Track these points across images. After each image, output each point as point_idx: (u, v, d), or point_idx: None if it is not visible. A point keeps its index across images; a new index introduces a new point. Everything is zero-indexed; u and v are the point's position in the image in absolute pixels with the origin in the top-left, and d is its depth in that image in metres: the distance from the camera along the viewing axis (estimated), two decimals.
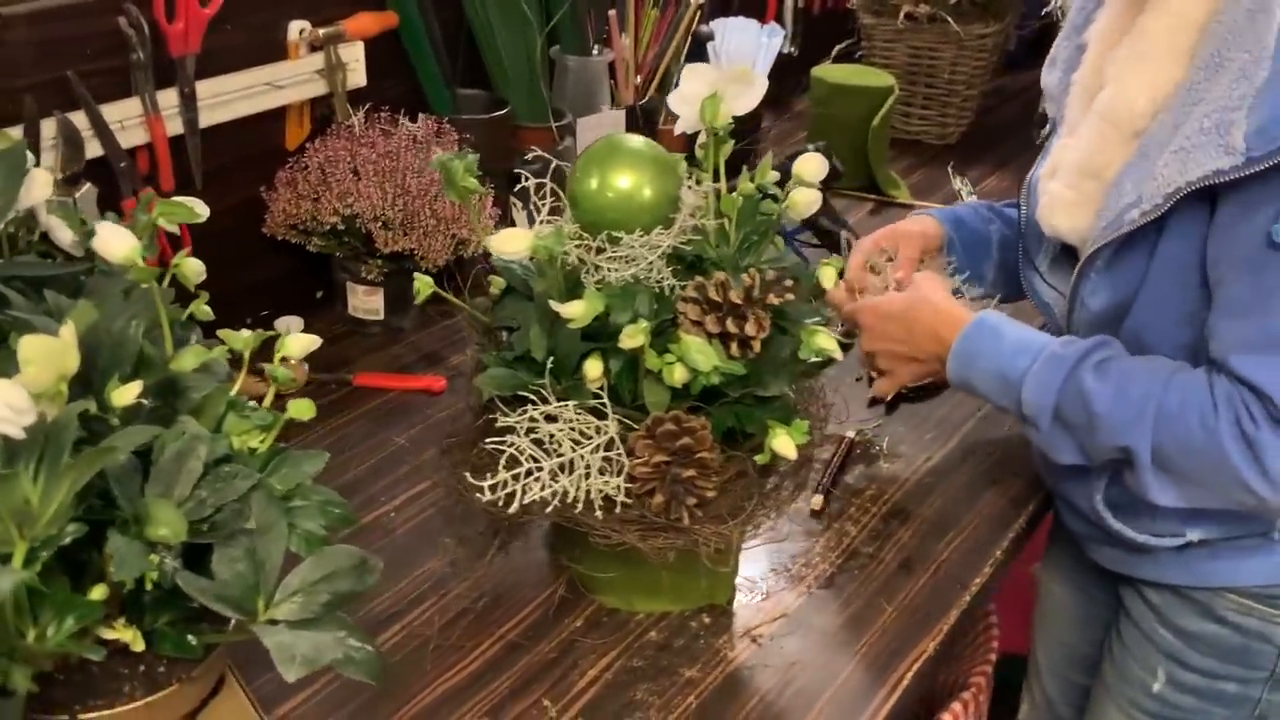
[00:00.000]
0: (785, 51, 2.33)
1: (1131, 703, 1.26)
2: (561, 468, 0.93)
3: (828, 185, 1.75)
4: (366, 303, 1.52)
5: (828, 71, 2.05)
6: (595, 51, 1.76)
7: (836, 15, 2.43)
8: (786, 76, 2.28)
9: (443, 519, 1.18)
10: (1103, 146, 1.10)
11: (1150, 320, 1.08)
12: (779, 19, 2.30)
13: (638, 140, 1.00)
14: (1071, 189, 1.14)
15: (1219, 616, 1.16)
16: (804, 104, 2.24)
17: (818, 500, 1.25)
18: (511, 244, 0.90)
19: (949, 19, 2.13)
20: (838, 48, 2.29)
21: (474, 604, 1.09)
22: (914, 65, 2.23)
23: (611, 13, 1.75)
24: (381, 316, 1.52)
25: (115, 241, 0.81)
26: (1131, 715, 1.26)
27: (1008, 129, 2.31)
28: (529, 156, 0.99)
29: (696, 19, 1.98)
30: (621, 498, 0.93)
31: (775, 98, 2.25)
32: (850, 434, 1.36)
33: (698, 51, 1.94)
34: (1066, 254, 1.21)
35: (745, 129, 2.00)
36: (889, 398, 1.44)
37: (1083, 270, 1.11)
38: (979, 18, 2.17)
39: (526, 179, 0.95)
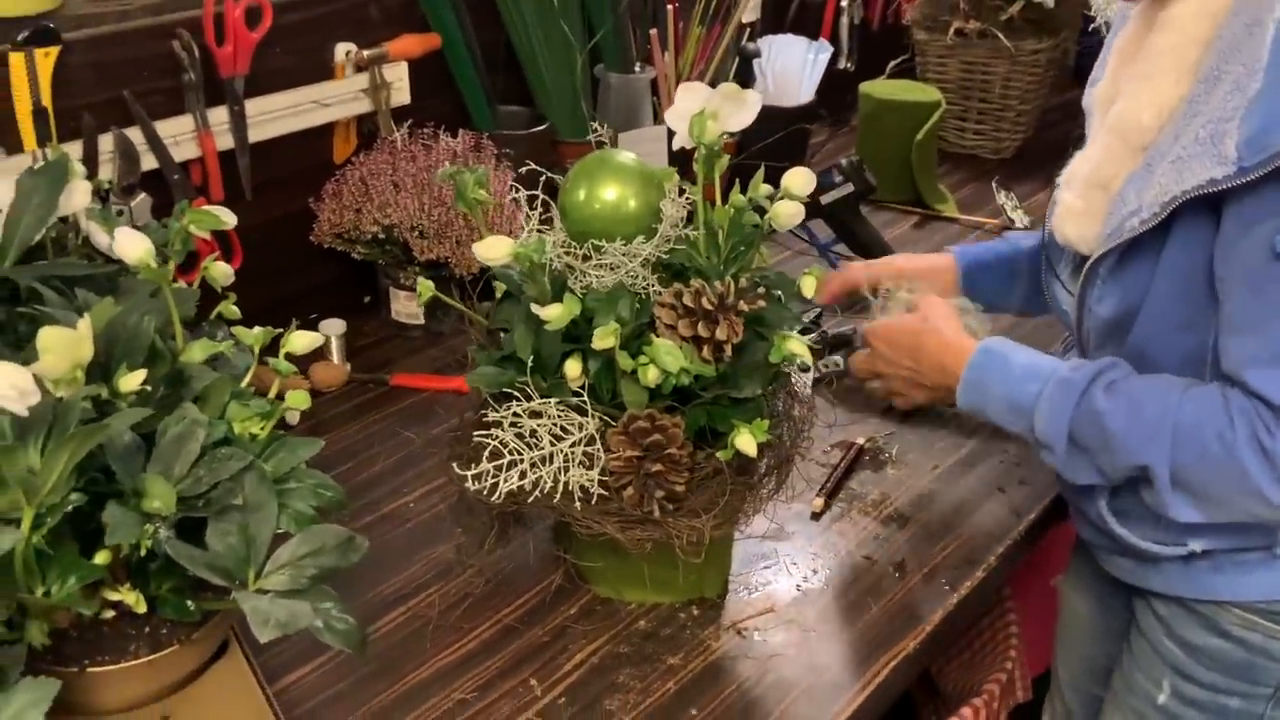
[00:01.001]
0: (842, 67, 2.37)
1: (1137, 714, 1.27)
2: (542, 460, 0.99)
3: (866, 198, 1.80)
4: (407, 307, 1.60)
5: (875, 87, 2.08)
6: (638, 69, 1.83)
7: (895, 31, 2.45)
8: (844, 92, 2.31)
9: (454, 510, 1.25)
10: (1110, 159, 1.13)
11: (1155, 329, 1.10)
12: (834, 36, 2.34)
13: (626, 155, 1.07)
14: (1081, 199, 1.17)
15: (1223, 630, 1.17)
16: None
17: (819, 502, 1.29)
18: (494, 251, 0.96)
19: (999, 35, 2.14)
20: (892, 64, 2.32)
21: (475, 590, 1.16)
22: (967, 80, 2.25)
23: (653, 31, 1.81)
24: (422, 321, 1.61)
25: (131, 245, 0.90)
26: None
27: (1067, 144, 2.30)
28: (522, 170, 1.05)
29: (745, 36, 2.04)
30: (597, 490, 0.99)
31: (828, 113, 2.29)
32: (860, 440, 1.40)
33: (744, 69, 1.99)
34: (1084, 262, 1.24)
35: (794, 143, 2.05)
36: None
37: (1089, 277, 1.14)
38: (1032, 34, 2.17)
39: (517, 190, 1.02)
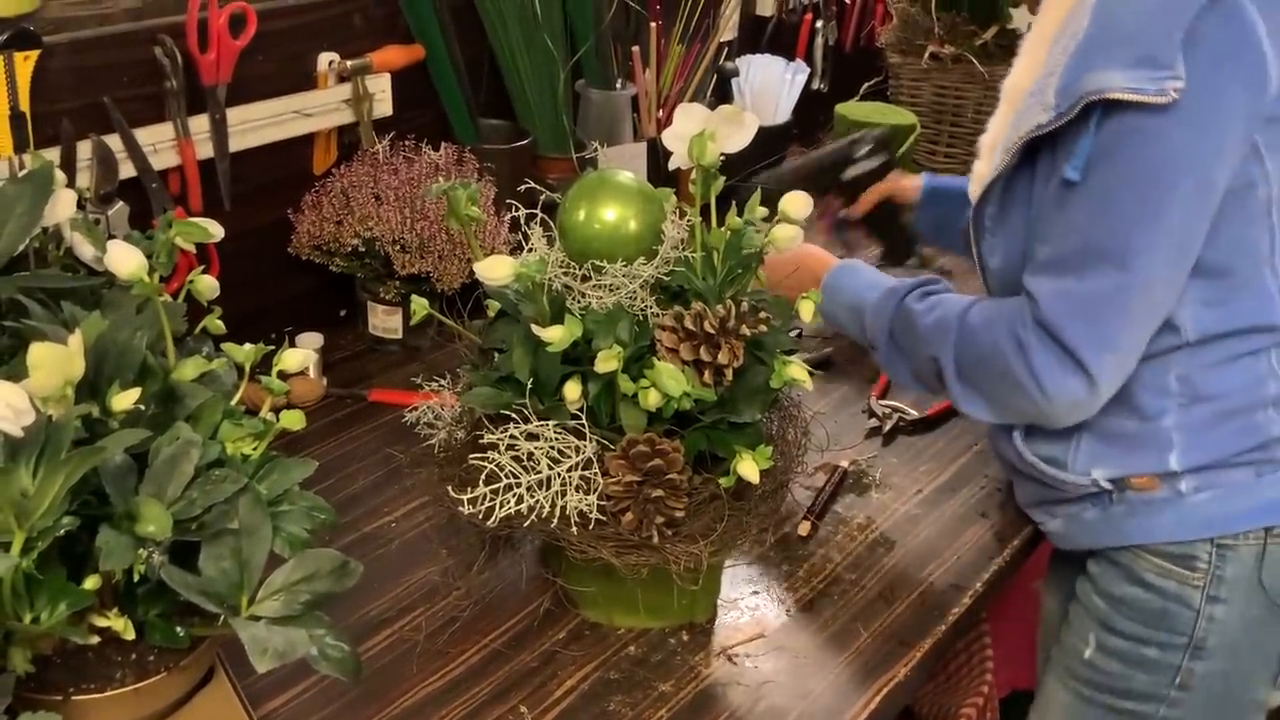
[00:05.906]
0: (815, 88, 2.38)
1: (1067, 671, 1.28)
2: (540, 484, 0.97)
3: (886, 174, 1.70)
4: (386, 322, 1.58)
5: (850, 109, 2.09)
6: (619, 85, 1.82)
7: (868, 53, 2.47)
8: (816, 112, 2.32)
9: (440, 531, 1.23)
10: (1000, 124, 1.23)
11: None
12: (808, 56, 2.35)
13: (626, 175, 1.05)
14: (984, 163, 1.25)
15: (1141, 579, 1.19)
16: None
17: (805, 526, 1.29)
18: (495, 270, 0.95)
19: (973, 60, 2.16)
20: (866, 85, 2.34)
21: (462, 612, 1.14)
22: (940, 104, 2.26)
23: (635, 48, 1.81)
24: (400, 335, 1.59)
25: (124, 258, 0.87)
26: (1066, 684, 1.28)
27: None
28: (521, 189, 1.04)
29: (723, 55, 2.04)
30: (595, 515, 0.98)
31: (803, 132, 2.29)
32: (844, 463, 1.40)
33: (723, 87, 1.99)
34: None
35: (770, 163, 2.04)
36: (886, 429, 1.48)
37: (978, 230, 1.22)
38: (1005, 59, 2.19)
39: (516, 209, 1.00)
